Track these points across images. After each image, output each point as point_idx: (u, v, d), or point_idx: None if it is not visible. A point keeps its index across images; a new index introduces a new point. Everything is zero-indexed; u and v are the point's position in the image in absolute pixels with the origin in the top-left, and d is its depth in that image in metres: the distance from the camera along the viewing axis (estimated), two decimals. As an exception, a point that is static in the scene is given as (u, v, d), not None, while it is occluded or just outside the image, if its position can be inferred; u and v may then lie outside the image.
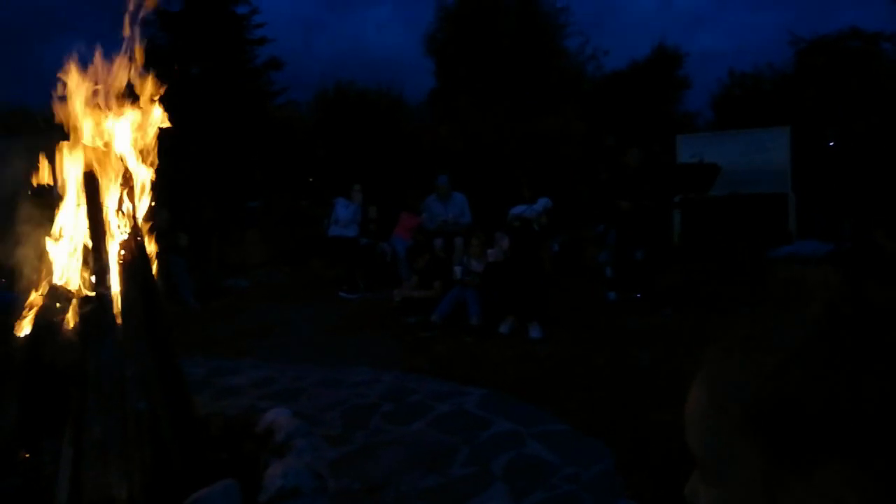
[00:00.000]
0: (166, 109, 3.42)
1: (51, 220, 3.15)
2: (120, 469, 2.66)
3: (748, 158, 10.65)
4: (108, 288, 2.95)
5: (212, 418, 3.68)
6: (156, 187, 3.39)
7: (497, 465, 3.27)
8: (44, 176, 3.19)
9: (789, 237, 8.84)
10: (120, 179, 3.18)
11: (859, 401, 0.43)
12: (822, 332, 0.47)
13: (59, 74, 3.18)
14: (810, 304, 0.49)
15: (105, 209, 3.08)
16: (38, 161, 3.25)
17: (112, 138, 3.24)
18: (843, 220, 8.47)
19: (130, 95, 3.32)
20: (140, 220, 3.21)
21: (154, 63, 3.41)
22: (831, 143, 12.70)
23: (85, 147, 3.16)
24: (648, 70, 21.11)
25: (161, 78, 3.38)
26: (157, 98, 3.37)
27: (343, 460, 3.35)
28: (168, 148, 3.47)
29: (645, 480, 2.98)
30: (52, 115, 3.20)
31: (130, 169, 3.24)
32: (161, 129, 3.40)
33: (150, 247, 3.23)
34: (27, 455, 2.72)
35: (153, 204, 3.35)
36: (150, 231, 3.30)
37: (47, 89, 3.19)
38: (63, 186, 3.18)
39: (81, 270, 3.09)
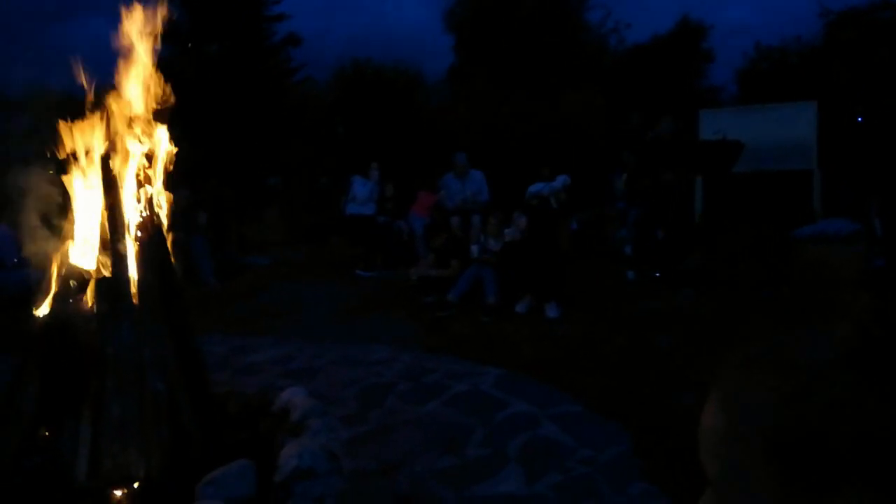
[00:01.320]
0: (186, 88, 3.40)
1: (68, 199, 3.17)
2: (138, 448, 2.69)
3: (772, 134, 10.39)
4: (126, 269, 2.97)
5: (230, 397, 3.72)
6: (175, 166, 3.39)
7: (512, 447, 3.26)
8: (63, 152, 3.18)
9: (813, 215, 8.66)
10: (137, 159, 3.20)
11: (888, 430, 0.40)
12: (849, 353, 0.43)
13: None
14: (838, 322, 0.45)
15: (122, 190, 3.09)
16: (56, 139, 3.24)
17: (131, 120, 3.24)
18: (870, 198, 8.27)
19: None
20: (157, 201, 3.21)
21: (173, 41, 3.38)
22: (859, 119, 12.38)
23: (103, 127, 3.17)
24: (671, 43, 20.67)
25: (181, 56, 3.36)
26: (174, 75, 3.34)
27: (358, 440, 3.37)
28: (187, 126, 3.45)
29: (662, 464, 2.95)
30: (71, 96, 3.19)
31: (148, 149, 3.25)
32: (180, 109, 3.38)
33: (167, 227, 3.24)
34: (47, 434, 2.76)
35: (172, 184, 3.35)
36: (170, 211, 3.31)
37: (66, 70, 3.18)
38: (79, 166, 3.19)
39: (99, 251, 3.11)
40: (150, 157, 3.26)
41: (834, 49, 16.85)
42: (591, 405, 3.75)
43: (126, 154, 3.17)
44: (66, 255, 3.07)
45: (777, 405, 0.44)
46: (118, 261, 2.97)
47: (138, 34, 3.23)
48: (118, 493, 2.62)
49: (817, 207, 9.41)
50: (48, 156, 3.21)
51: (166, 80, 3.31)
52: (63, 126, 3.14)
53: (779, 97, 14.31)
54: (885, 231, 7.31)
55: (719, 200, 9.36)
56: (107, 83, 3.22)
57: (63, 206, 3.18)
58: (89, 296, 2.99)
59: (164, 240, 3.16)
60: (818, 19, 18.46)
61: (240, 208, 11.96)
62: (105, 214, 3.02)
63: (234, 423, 3.40)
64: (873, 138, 11.62)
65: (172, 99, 3.30)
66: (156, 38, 3.27)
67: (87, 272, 3.04)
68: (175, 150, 3.36)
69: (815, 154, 10.42)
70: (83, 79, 3.18)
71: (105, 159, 3.04)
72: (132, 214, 3.11)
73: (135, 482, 2.65)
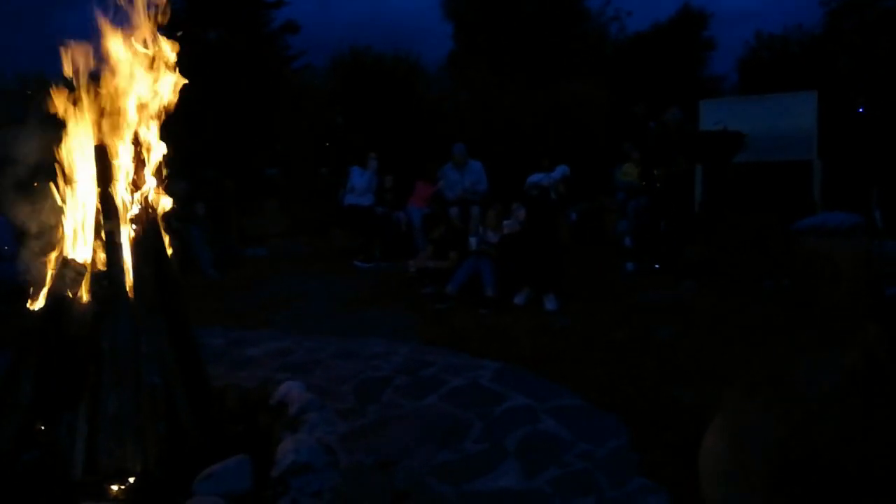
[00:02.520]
0: (184, 76, 3.35)
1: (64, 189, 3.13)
2: (135, 443, 2.68)
3: (772, 124, 10.33)
4: (122, 261, 2.95)
5: (228, 390, 3.70)
6: (174, 157, 3.35)
7: (510, 441, 3.25)
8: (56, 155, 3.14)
9: (813, 207, 8.62)
10: (132, 151, 3.16)
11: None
12: (857, 381, 0.41)
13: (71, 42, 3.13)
14: (846, 349, 0.43)
15: (117, 182, 3.05)
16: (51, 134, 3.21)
17: (126, 106, 3.20)
18: (871, 189, 8.23)
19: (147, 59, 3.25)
20: (152, 193, 3.18)
21: (171, 28, 3.34)
22: (861, 109, 12.32)
23: (96, 117, 3.14)
24: (672, 32, 20.55)
25: (178, 43, 3.31)
26: (173, 62, 3.29)
27: (355, 434, 3.36)
28: (185, 116, 3.41)
29: (660, 459, 2.95)
30: (63, 83, 3.15)
31: (143, 140, 3.21)
32: (179, 97, 3.33)
33: (164, 220, 3.20)
34: (43, 428, 2.75)
35: (169, 175, 3.32)
36: (167, 202, 3.27)
37: (64, 57, 3.14)
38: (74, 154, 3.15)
39: (94, 244, 3.09)
40: (146, 147, 3.23)
41: (836, 38, 16.78)
42: (590, 398, 3.74)
43: (122, 143, 3.13)
44: (62, 247, 3.05)
45: (784, 432, 0.42)
46: (114, 253, 2.95)
47: (137, 19, 3.19)
48: (115, 487, 2.61)
49: (817, 199, 9.38)
50: (45, 144, 3.17)
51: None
52: (60, 113, 3.11)
53: (780, 86, 14.24)
54: (886, 224, 7.28)
55: (719, 191, 9.32)
56: (103, 70, 3.18)
57: (59, 195, 3.15)
58: (85, 289, 2.98)
59: (161, 231, 3.13)
60: (820, 7, 18.38)
61: (239, 199, 11.90)
62: (100, 205, 2.99)
63: (231, 416, 3.39)
64: (875, 128, 11.57)
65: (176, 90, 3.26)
66: (156, 21, 3.22)
67: (83, 264, 3.02)
68: (175, 139, 3.32)
69: (816, 144, 10.38)
70: (79, 65, 3.14)
71: (100, 148, 3.00)
72: (128, 205, 3.08)
73: (131, 476, 2.64)
